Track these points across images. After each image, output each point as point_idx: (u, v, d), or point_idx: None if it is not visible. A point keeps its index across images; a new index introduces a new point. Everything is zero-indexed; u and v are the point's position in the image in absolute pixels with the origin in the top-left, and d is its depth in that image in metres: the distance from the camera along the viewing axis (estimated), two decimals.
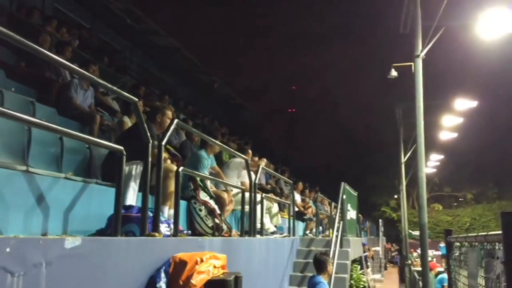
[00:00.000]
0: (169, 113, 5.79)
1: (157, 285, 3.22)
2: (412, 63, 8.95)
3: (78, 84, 6.75)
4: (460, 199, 49.65)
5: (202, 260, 3.52)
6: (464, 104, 15.64)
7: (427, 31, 8.79)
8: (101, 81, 3.83)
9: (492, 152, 43.58)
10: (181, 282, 3.38)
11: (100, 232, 3.71)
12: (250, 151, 8.69)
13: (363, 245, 18.81)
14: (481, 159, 44.46)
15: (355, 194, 13.25)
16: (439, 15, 8.85)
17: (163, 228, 4.03)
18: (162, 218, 4.14)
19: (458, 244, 4.01)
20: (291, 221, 9.75)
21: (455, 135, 19.63)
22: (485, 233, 2.48)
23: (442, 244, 32.49)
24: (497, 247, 2.30)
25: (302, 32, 39.21)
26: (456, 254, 4.10)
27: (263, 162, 8.91)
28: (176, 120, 4.69)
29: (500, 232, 2.08)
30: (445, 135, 20.07)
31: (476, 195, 48.67)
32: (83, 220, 3.95)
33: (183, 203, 5.56)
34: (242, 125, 27.07)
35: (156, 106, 6.86)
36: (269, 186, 11.87)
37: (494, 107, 34.91)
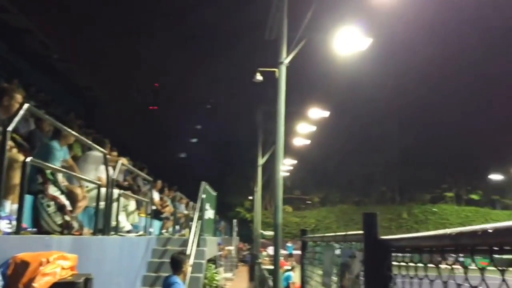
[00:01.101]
0: (18, 97, 5.16)
1: None
2: (276, 69, 9.33)
3: None
4: (307, 202, 53.40)
5: (48, 261, 3.17)
6: (317, 113, 16.79)
7: (292, 40, 9.23)
8: None
9: (335, 160, 47.95)
10: (21, 286, 2.99)
11: None
12: (109, 145, 8.19)
13: (218, 244, 19.08)
14: (328, 166, 48.54)
15: (214, 194, 13.35)
16: (303, 26, 9.30)
17: (3, 225, 3.55)
18: (2, 214, 3.64)
19: (311, 243, 4.19)
20: (148, 219, 9.44)
21: (308, 142, 20.92)
22: (344, 232, 2.60)
23: (290, 244, 34.62)
24: (356, 247, 2.41)
25: (169, 30, 38.74)
26: (310, 253, 4.29)
27: (123, 159, 8.47)
28: (26, 105, 4.17)
29: (359, 232, 2.18)
30: (299, 141, 21.36)
31: (322, 199, 52.88)
32: None
33: (28, 198, 4.98)
34: (100, 119, 25.62)
35: (3, 87, 6.07)
36: (126, 183, 11.34)
37: (342, 118, 38.24)
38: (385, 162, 49.79)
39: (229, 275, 25.30)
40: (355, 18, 9.96)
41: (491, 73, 42.70)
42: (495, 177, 48.78)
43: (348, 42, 9.78)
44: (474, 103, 45.06)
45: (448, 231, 1.19)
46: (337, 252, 2.92)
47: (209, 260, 13.01)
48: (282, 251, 24.52)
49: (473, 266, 1.20)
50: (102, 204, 6.15)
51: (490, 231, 0.94)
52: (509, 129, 45.32)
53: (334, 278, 2.95)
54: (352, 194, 52.30)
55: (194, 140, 50.80)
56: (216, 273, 14.31)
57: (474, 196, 51.62)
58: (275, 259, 9.23)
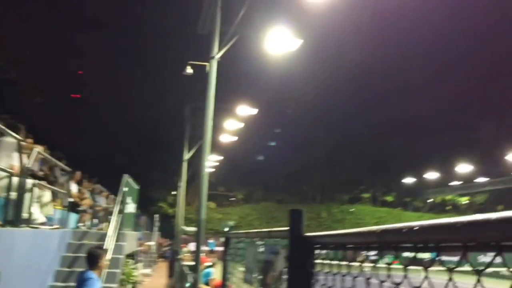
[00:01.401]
0: None
1: None
2: (207, 64, 9.24)
3: None
4: (231, 199, 53.63)
5: None
6: (245, 110, 16.87)
7: (225, 36, 9.18)
8: None
9: (261, 157, 48.64)
10: None
11: None
12: (24, 131, 7.67)
13: (138, 239, 18.62)
14: (253, 163, 49.07)
15: (137, 188, 12.99)
16: (236, 22, 9.27)
17: None
18: None
19: (235, 240, 4.18)
20: (64, 212, 8.98)
21: (235, 138, 20.97)
22: (269, 229, 2.60)
23: (212, 240, 34.57)
24: (281, 244, 2.42)
25: (95, 17, 37.21)
26: (233, 249, 4.27)
27: (39, 147, 7.97)
28: None
29: (285, 228, 2.19)
30: (226, 138, 21.35)
31: (246, 196, 53.34)
32: None
33: None
34: (18, 104, 24.04)
35: None
36: (42, 172, 10.70)
37: (270, 117, 38.77)
38: (308, 161, 51.22)
39: (147, 271, 24.79)
40: (287, 19, 10.11)
41: (412, 79, 45.22)
42: (408, 180, 51.96)
43: (279, 42, 9.90)
44: (394, 109, 47.53)
45: (373, 228, 1.21)
46: (261, 249, 2.93)
47: (128, 256, 12.64)
48: (204, 247, 24.46)
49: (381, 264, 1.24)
50: (13, 194, 5.74)
51: (416, 228, 0.95)
52: (423, 137, 48.40)
53: (256, 275, 2.95)
54: (275, 192, 53.26)
55: (119, 132, 49.17)
56: (134, 268, 13.93)
57: (389, 198, 54.60)
58: (196, 255, 9.15)
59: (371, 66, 42.67)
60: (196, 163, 31.20)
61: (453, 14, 37.30)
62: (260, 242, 2.95)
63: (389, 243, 1.14)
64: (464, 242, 0.83)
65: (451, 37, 41.60)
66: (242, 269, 3.54)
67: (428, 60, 43.14)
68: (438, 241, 0.92)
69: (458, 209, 51.08)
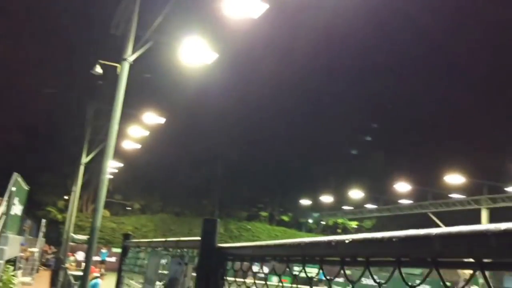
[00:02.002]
0: None
1: None
2: (119, 65, 8.89)
3: None
4: (128, 208, 51.75)
5: None
6: (153, 118, 16.51)
7: (140, 39, 8.92)
8: None
9: (162, 168, 47.61)
10: None
11: None
12: None
13: (21, 245, 17.21)
14: (154, 173, 47.86)
15: (26, 189, 12.04)
16: (152, 28, 9.10)
17: None
18: None
19: (137, 249, 4.01)
20: None
21: (138, 146, 20.42)
22: (177, 238, 2.52)
23: (104, 250, 32.95)
24: (188, 253, 2.35)
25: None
26: (132, 259, 4.09)
27: None
28: None
29: (196, 238, 2.13)
30: (129, 145, 20.68)
31: (143, 206, 51.77)
32: None
33: None
34: None
35: None
36: None
37: (177, 128, 38.20)
38: (210, 176, 51.16)
39: (27, 279, 22.93)
40: (204, 32, 10.12)
41: (320, 100, 47.14)
42: (304, 202, 54.01)
43: (194, 53, 9.86)
44: (297, 131, 49.31)
45: (297, 240, 1.20)
46: (165, 260, 2.82)
47: (8, 261, 11.60)
48: (94, 257, 23.26)
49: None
50: None
51: (347, 242, 0.96)
52: (321, 161, 50.73)
53: (158, 286, 2.83)
54: (174, 204, 52.36)
55: (9, 128, 45.41)
56: (14, 275, 12.81)
57: (285, 218, 56.21)
58: (86, 264, 8.63)
59: (280, 87, 43.92)
60: (93, 167, 29.72)
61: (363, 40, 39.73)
62: (164, 252, 2.85)
63: (312, 256, 1.14)
64: (397, 257, 0.85)
65: (355, 73, 44.13)
66: (141, 281, 3.38)
67: (337, 83, 44.88)
68: (369, 256, 0.93)
69: (348, 232, 53.95)
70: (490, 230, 0.62)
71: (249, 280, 1.63)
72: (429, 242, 0.72)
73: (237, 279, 1.78)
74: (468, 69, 37.11)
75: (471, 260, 0.69)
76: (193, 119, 43.17)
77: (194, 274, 2.14)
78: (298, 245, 1.19)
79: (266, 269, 1.61)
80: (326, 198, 50.16)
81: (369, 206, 49.12)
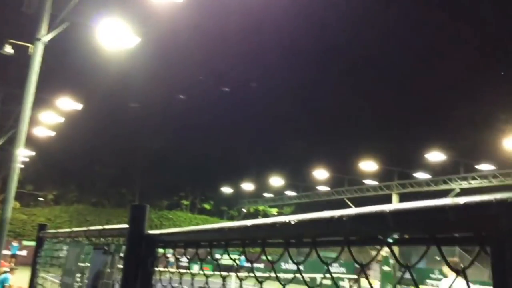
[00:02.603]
0: None
1: None
2: (31, 45, 8.27)
3: None
4: (40, 199, 49.02)
5: None
6: (68, 104, 15.67)
7: (55, 19, 8.36)
8: None
9: (79, 157, 45.46)
10: None
11: None
12: None
13: None
14: (69, 163, 45.59)
15: None
16: (69, 7, 8.58)
17: None
18: None
19: (54, 240, 3.78)
20: None
21: (52, 133, 19.35)
22: (101, 227, 2.37)
23: (16, 243, 30.91)
24: (114, 242, 2.23)
25: None
26: (48, 250, 3.86)
27: None
28: None
29: (123, 226, 2.03)
30: (41, 132, 19.52)
31: (57, 196, 49.28)
32: None
33: None
34: None
35: None
36: None
37: (95, 114, 36.59)
38: (130, 165, 49.72)
39: None
40: (126, 15, 9.72)
41: (244, 89, 47.21)
42: (226, 190, 54.29)
43: (115, 37, 9.44)
44: (218, 119, 49.14)
45: (237, 223, 1.16)
46: (86, 251, 2.67)
47: None
48: (4, 251, 21.79)
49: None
50: None
51: (293, 222, 0.93)
52: (242, 149, 51.11)
53: (79, 278, 2.67)
54: (91, 194, 50.36)
55: None
56: None
57: (206, 206, 56.21)
58: None
59: (205, 74, 43.47)
60: (2, 156, 27.67)
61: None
62: (86, 242, 2.69)
63: (254, 239, 1.11)
64: (347, 237, 0.83)
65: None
66: (59, 273, 3.18)
67: (258, 75, 45.26)
68: (315, 236, 0.91)
69: None
70: (448, 204, 0.62)
71: (183, 270, 1.57)
72: (382, 220, 0.71)
73: (170, 269, 1.72)
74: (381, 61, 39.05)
75: (426, 236, 0.69)
76: (113, 106, 41.50)
77: (121, 266, 2.03)
78: (238, 228, 1.15)
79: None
80: (248, 186, 50.77)
81: (289, 193, 50.43)
